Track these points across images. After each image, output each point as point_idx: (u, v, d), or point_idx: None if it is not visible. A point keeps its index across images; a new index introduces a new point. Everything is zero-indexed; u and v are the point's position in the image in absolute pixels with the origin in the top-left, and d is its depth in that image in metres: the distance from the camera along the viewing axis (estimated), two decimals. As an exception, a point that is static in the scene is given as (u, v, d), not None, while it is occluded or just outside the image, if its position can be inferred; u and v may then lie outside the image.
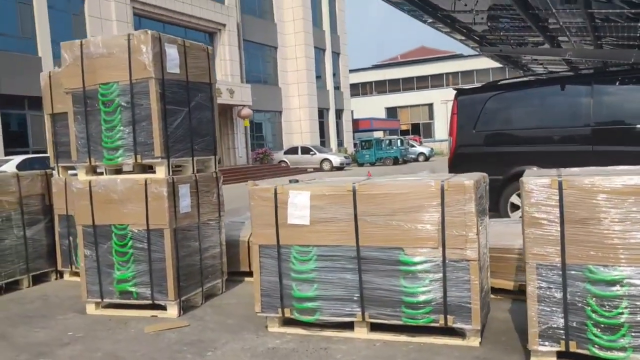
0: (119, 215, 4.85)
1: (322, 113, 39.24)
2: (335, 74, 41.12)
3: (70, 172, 6.57)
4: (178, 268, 4.84)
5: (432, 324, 3.78)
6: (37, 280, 6.46)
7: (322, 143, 38.40)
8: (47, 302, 5.61)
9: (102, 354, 4.02)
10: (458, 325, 3.72)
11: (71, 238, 6.37)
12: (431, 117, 51.95)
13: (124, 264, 4.88)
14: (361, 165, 35.67)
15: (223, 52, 31.22)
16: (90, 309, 5.08)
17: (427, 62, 52.66)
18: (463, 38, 12.92)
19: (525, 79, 9.41)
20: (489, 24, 11.56)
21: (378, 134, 46.74)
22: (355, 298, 3.97)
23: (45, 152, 20.28)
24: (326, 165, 31.81)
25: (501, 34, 12.46)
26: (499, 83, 8.35)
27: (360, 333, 4.02)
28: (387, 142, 36.61)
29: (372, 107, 51.96)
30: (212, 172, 5.44)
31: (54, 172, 6.64)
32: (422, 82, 52.05)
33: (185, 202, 4.95)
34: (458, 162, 7.99)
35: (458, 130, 8.01)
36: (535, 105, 7.68)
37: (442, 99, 50.34)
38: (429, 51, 58.10)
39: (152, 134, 4.72)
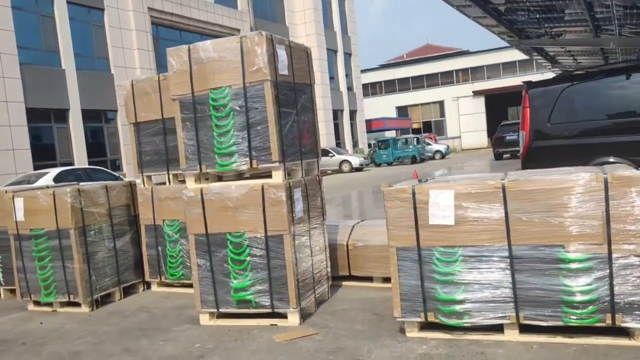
0: (235, 222, 4.73)
1: (336, 114, 39.11)
2: (348, 75, 41.00)
3: (154, 182, 6.47)
4: (297, 275, 4.71)
5: (598, 324, 3.64)
6: (126, 292, 6.35)
7: (338, 145, 38.26)
8: (150, 314, 5.49)
9: (246, 366, 3.90)
10: (629, 324, 3.57)
11: (160, 248, 6.27)
12: (442, 114, 51.75)
13: (241, 272, 4.76)
14: (378, 165, 35.50)
15: (238, 57, 31.12)
16: (205, 319, 4.95)
17: (435, 59, 52.46)
18: (504, 30, 12.76)
19: (597, 69, 9.25)
20: (528, 15, 11.43)
21: (390, 134, 46.65)
22: (507, 299, 3.83)
23: (72, 163, 20.27)
24: (345, 167, 31.69)
25: (544, 25, 12.31)
26: (574, 74, 8.21)
27: (511, 335, 3.88)
28: (404, 141, 36.44)
29: (383, 106, 51.81)
30: (316, 174, 5.32)
31: (136, 181, 6.53)
32: (431, 80, 51.85)
33: (299, 207, 4.83)
34: (533, 157, 7.84)
35: (531, 123, 7.87)
36: (612, 94, 7.54)
37: (453, 96, 50.30)
38: (434, 49, 57.94)
39: (268, 138, 4.60)
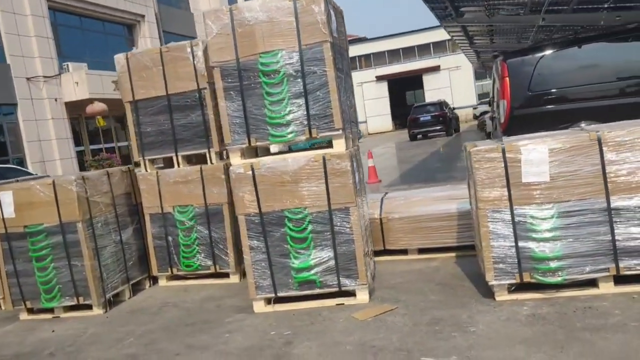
0: (293, 198, 4.36)
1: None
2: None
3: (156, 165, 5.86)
4: (363, 249, 4.44)
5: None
6: (132, 289, 5.71)
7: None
8: (182, 308, 4.96)
9: (353, 346, 3.59)
10: None
11: (170, 238, 5.69)
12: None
13: (302, 252, 4.40)
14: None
15: (144, 45, 29.46)
16: (259, 306, 4.54)
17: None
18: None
19: (571, 38, 9.62)
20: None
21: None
22: (606, 252, 3.82)
23: (6, 162, 18.25)
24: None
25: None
26: (549, 43, 8.49)
27: (607, 288, 3.88)
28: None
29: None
30: (357, 145, 5.05)
31: (136, 167, 5.89)
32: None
33: (357, 177, 4.55)
34: (515, 124, 8.02)
35: (512, 92, 8.04)
36: (586, 62, 7.89)
37: (357, 82, 50.91)
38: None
39: (329, 104, 4.26)
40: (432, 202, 5.54)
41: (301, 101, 4.28)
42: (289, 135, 4.35)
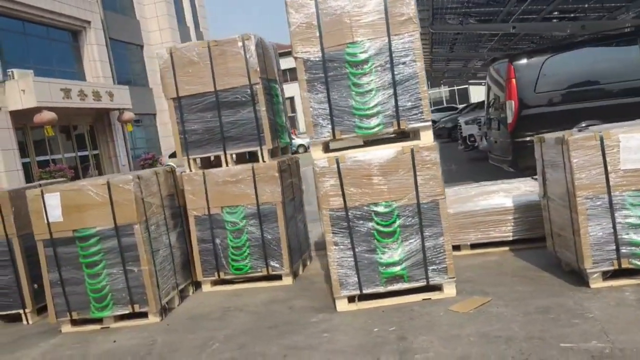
0: (381, 191, 4.26)
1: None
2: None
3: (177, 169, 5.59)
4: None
5: None
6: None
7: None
8: (251, 312, 4.73)
9: (476, 337, 3.52)
10: None
11: (217, 240, 5.43)
12: (293, 110, 52.48)
13: (390, 246, 4.30)
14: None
15: (91, 52, 28.36)
16: (342, 305, 4.40)
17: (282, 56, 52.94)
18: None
19: (574, 41, 9.96)
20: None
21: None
22: (701, 234, 3.95)
23: None
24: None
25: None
26: (553, 46, 8.79)
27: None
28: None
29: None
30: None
31: (175, 167, 5.60)
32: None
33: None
34: (522, 124, 8.25)
35: (519, 93, 8.28)
36: (588, 63, 8.24)
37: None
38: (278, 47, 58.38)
39: (419, 95, 4.21)
40: (485, 197, 5.57)
41: (390, 92, 4.21)
42: (376, 128, 4.25)
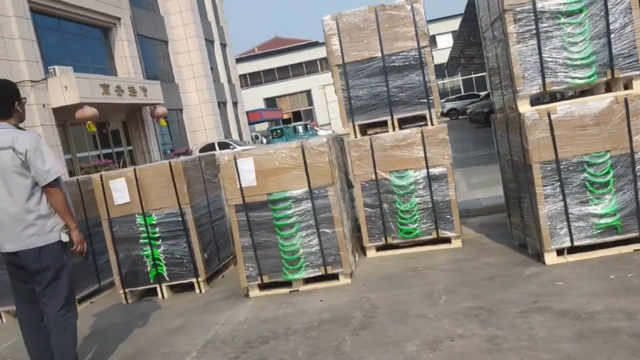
0: (594, 141, 4.25)
1: (219, 107, 37.64)
2: (226, 66, 39.68)
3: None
4: None
5: None
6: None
7: (225, 137, 36.89)
8: (453, 271, 4.74)
9: None
10: None
11: (385, 205, 5.44)
12: (310, 103, 52.48)
13: (604, 197, 4.30)
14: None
15: (122, 48, 28.41)
16: (551, 258, 4.40)
17: (299, 49, 52.97)
18: None
19: None
20: None
21: (261, 126, 46.51)
22: None
23: None
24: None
25: None
26: None
27: None
28: (293, 129, 36.48)
29: (250, 99, 50.99)
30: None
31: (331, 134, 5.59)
32: (297, 70, 52.25)
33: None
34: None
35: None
36: None
37: (319, 85, 51.22)
38: (284, 41, 58.14)
39: (634, 43, 4.20)
40: None
41: (604, 41, 4.20)
42: (591, 78, 4.25)
